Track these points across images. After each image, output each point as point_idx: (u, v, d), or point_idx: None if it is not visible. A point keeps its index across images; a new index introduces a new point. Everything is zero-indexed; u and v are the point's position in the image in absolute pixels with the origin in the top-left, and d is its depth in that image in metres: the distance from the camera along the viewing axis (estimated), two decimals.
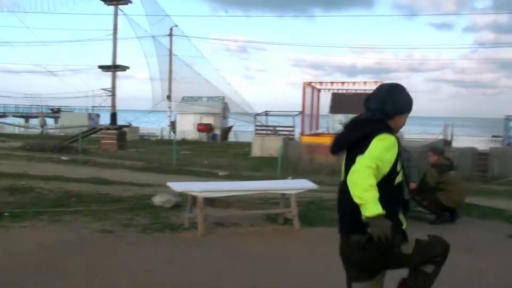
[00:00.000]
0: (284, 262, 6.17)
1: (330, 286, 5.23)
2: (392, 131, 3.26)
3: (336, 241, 6.82)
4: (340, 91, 27.51)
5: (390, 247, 3.08)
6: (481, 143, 33.07)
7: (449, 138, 33.14)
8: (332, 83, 24.67)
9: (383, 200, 2.96)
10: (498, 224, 8.53)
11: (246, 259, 6.25)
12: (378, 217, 2.93)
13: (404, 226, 3.32)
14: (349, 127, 3.33)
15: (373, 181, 2.97)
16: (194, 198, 7.40)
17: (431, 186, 8.39)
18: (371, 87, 24.02)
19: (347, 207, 3.15)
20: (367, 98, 3.39)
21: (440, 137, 34.76)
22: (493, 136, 37.46)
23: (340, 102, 30.40)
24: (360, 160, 3.04)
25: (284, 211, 7.93)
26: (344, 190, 3.14)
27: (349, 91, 27.36)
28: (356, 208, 3.00)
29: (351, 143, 3.24)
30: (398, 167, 3.21)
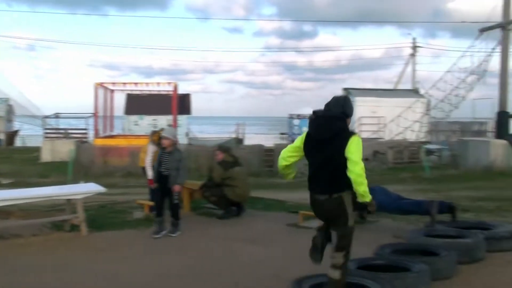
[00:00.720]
0: (68, 270, 5.87)
1: None
2: None
3: (124, 244, 6.72)
4: (134, 92, 27.16)
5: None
6: (271, 140, 35.52)
7: (240, 137, 34.88)
8: (125, 83, 24.16)
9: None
10: (280, 215, 9.21)
11: (24, 271, 5.81)
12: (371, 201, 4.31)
13: None
14: (325, 119, 4.41)
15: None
16: None
17: (217, 182, 8.75)
18: (165, 88, 24.18)
19: (326, 179, 4.33)
20: (328, 104, 4.50)
21: (233, 135, 36.48)
22: (281, 134, 40.50)
23: (134, 103, 30.01)
24: (357, 162, 4.21)
25: (70, 217, 7.56)
26: (321, 167, 4.35)
27: (143, 92, 27.13)
28: (332, 180, 4.30)
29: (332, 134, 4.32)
30: None
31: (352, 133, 4.35)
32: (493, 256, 6.22)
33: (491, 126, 23.55)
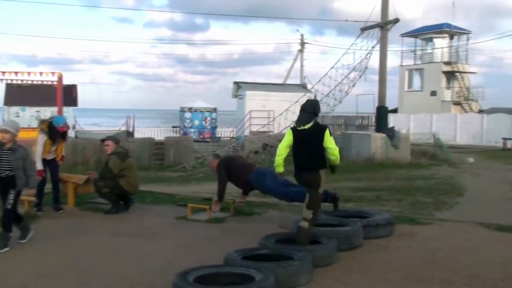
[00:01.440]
0: None
1: None
2: None
3: None
4: (14, 82, 25.52)
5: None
6: (163, 133, 35.08)
7: (131, 130, 34.12)
8: (4, 72, 22.62)
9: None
10: (169, 208, 9.13)
11: None
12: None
13: None
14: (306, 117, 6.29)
15: None
16: None
17: (114, 173, 8.52)
18: (48, 78, 22.97)
19: (311, 160, 6.19)
20: (304, 105, 6.43)
21: (123, 128, 35.59)
22: (173, 127, 40.12)
23: (15, 93, 28.31)
24: (334, 145, 6.26)
25: None
26: (311, 153, 6.19)
27: (25, 81, 25.57)
28: (312, 161, 6.18)
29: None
30: None
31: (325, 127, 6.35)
32: (370, 242, 6.62)
33: (371, 120, 24.97)
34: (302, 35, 43.24)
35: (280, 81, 39.88)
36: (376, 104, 20.16)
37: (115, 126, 43.66)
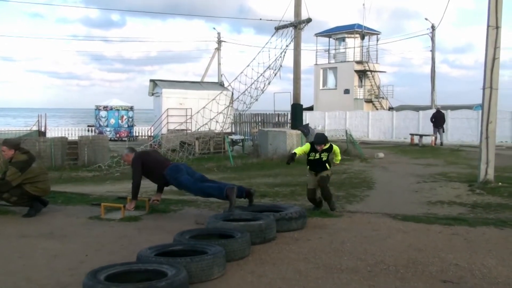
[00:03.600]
0: None
1: None
2: None
3: None
4: None
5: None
6: (77, 132, 33.98)
7: (43, 129, 32.78)
8: None
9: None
10: (82, 208, 8.91)
11: None
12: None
13: None
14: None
15: None
16: None
17: (12, 186, 7.97)
18: None
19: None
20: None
21: (34, 128, 34.10)
22: (89, 126, 38.92)
23: None
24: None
25: None
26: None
27: None
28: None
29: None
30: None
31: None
32: (284, 235, 6.81)
33: (288, 117, 25.50)
34: (219, 33, 43.32)
35: (199, 79, 39.78)
36: (292, 102, 20.63)
37: (27, 126, 41.74)
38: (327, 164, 8.55)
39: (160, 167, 8.24)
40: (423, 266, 5.50)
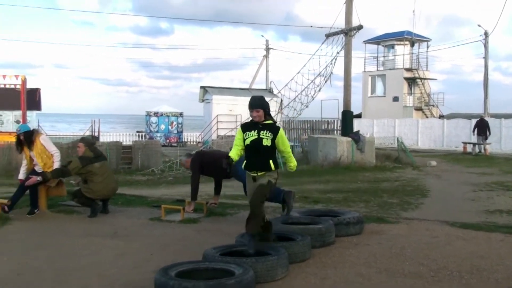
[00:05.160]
0: None
1: None
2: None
3: None
4: None
5: None
6: (127, 137, 34.81)
7: (96, 134, 33.77)
8: None
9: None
10: (142, 210, 9.18)
11: None
12: None
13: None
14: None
15: None
16: None
17: (70, 173, 8.60)
18: (12, 81, 22.60)
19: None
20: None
21: (88, 132, 35.16)
22: (138, 132, 39.82)
23: None
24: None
25: None
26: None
27: None
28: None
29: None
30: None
31: None
32: (342, 239, 6.85)
33: (336, 124, 25.40)
34: (267, 41, 43.65)
35: (245, 86, 40.13)
36: (341, 109, 20.57)
37: (80, 130, 43.06)
38: (271, 162, 5.78)
39: (218, 160, 8.35)
40: (488, 273, 5.44)
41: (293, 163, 6.19)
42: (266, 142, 5.70)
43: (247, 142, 5.78)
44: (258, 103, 5.78)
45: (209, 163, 8.58)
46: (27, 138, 8.47)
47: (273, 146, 5.77)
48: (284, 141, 5.89)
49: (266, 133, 5.73)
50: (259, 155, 5.74)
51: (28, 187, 8.45)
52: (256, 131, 5.75)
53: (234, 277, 4.55)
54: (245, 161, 5.91)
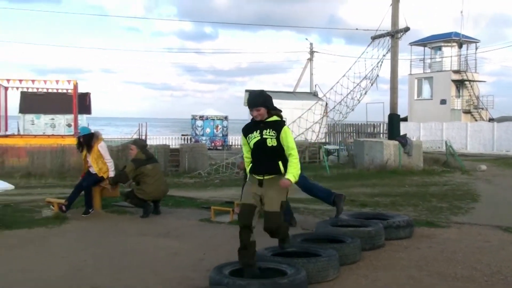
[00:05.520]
0: None
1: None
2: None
3: (36, 241, 6.67)
4: (30, 90, 25.95)
5: None
6: (173, 141, 35.38)
7: (143, 137, 34.43)
8: (21, 80, 22.96)
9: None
10: (191, 211, 9.39)
11: None
12: None
13: None
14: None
15: None
16: None
17: (128, 177, 8.87)
18: (64, 86, 23.32)
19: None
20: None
21: (135, 136, 35.91)
22: (183, 135, 40.42)
23: (30, 101, 28.75)
24: None
25: None
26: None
27: (40, 90, 26.04)
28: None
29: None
30: None
31: None
32: (392, 243, 6.83)
33: (382, 128, 25.14)
34: (311, 44, 43.53)
35: (288, 89, 40.15)
36: (386, 112, 20.39)
37: (127, 134, 44.02)
38: (280, 163, 5.06)
39: None
40: None
41: (294, 169, 5.02)
42: (271, 142, 5.00)
43: (251, 145, 5.14)
44: (257, 101, 5.05)
45: None
46: (86, 141, 8.81)
47: (281, 145, 5.04)
48: (287, 139, 5.03)
49: (269, 132, 5.01)
50: (265, 157, 5.05)
51: (83, 188, 8.81)
52: (258, 131, 5.05)
53: (287, 277, 4.63)
54: (250, 164, 5.19)
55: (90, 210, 8.83)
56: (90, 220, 8.55)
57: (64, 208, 8.64)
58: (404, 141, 18.18)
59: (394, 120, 19.65)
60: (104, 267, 5.82)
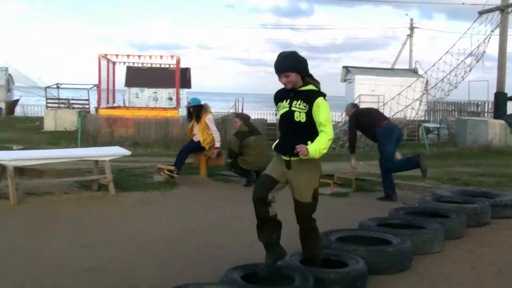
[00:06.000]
0: (103, 223, 6.33)
1: (145, 241, 5.64)
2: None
3: (152, 202, 7.19)
4: (135, 65, 27.37)
5: None
6: (269, 116, 35.86)
7: (240, 112, 35.18)
8: (128, 56, 24.24)
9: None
10: None
11: (65, 223, 6.25)
12: None
13: None
14: None
15: None
16: (3, 168, 7.03)
17: (235, 153, 9.18)
18: (167, 61, 24.34)
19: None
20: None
21: (231, 111, 36.76)
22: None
23: (135, 75, 30.24)
24: None
25: (99, 177, 7.96)
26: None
27: (144, 64, 27.39)
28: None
29: None
30: None
31: None
32: (498, 221, 6.70)
33: (487, 106, 24.05)
34: (411, 20, 42.17)
35: (385, 66, 39.26)
36: (491, 91, 19.53)
37: (223, 108, 45.13)
38: (310, 143, 4.00)
39: (372, 125, 8.38)
40: None
41: (321, 144, 3.97)
42: (299, 116, 4.05)
43: (278, 115, 4.27)
44: (286, 65, 4.07)
45: (363, 123, 8.53)
46: (196, 112, 9.31)
47: (311, 121, 4.06)
48: (319, 114, 4.00)
49: (299, 104, 4.06)
50: (292, 134, 4.10)
51: (188, 152, 9.38)
52: (288, 101, 4.14)
53: (393, 245, 4.76)
54: (276, 141, 4.36)
55: (175, 172, 9.18)
56: (198, 186, 9.04)
57: (175, 172, 9.15)
58: (511, 120, 17.36)
59: (501, 99, 18.80)
60: (217, 229, 6.23)
